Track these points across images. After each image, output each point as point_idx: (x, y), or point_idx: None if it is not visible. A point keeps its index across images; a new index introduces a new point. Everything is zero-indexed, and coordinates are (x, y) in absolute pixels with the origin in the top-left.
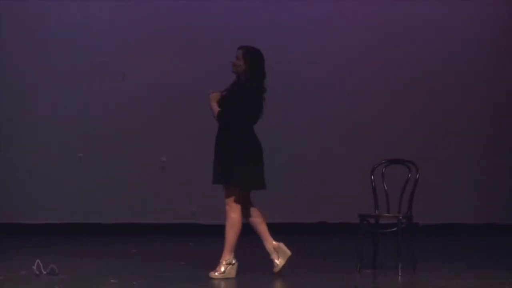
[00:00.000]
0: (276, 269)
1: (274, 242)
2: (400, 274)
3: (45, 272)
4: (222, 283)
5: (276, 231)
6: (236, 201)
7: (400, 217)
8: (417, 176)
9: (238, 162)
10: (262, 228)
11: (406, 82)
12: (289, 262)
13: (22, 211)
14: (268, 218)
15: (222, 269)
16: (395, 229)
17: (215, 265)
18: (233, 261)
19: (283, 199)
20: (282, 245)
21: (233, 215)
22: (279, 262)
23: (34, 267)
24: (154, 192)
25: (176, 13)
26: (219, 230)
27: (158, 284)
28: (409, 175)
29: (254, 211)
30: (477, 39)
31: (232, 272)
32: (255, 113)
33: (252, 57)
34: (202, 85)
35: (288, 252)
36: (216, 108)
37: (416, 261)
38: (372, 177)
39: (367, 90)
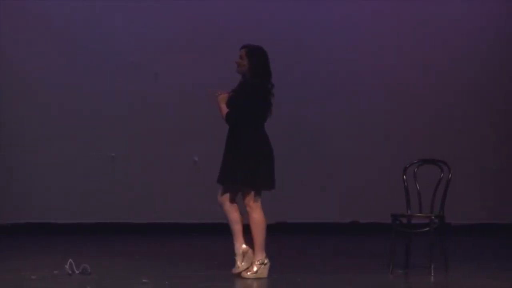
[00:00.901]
0: (235, 271)
1: (244, 246)
2: (432, 274)
3: (77, 272)
4: (255, 283)
5: (309, 231)
6: (254, 200)
7: (433, 217)
8: (449, 176)
9: (243, 162)
10: (238, 229)
11: (437, 82)
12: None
13: (53, 210)
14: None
15: (255, 269)
16: (427, 229)
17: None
18: (266, 261)
19: (315, 199)
20: (251, 251)
21: (255, 215)
22: (241, 265)
23: (67, 267)
24: (185, 192)
25: (209, 14)
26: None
27: (191, 283)
28: (442, 175)
29: (235, 210)
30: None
31: (264, 272)
32: (262, 111)
33: (255, 55)
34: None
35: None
36: (224, 110)
37: (449, 261)
38: (404, 177)
39: (399, 90)
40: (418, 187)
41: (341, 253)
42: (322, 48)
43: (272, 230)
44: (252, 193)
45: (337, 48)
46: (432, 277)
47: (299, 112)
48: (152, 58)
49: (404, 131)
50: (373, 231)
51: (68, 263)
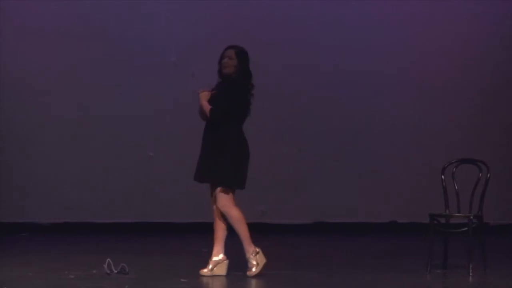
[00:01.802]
0: (203, 272)
1: (223, 255)
2: (470, 274)
3: (115, 271)
4: (294, 281)
5: (346, 230)
6: (232, 199)
7: (471, 216)
8: (488, 175)
9: (233, 162)
10: (224, 235)
11: (476, 81)
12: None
13: (91, 209)
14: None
15: (254, 262)
16: (465, 229)
17: (286, 264)
18: (257, 249)
19: (353, 199)
20: (225, 263)
21: (235, 213)
22: (208, 270)
23: (105, 266)
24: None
25: (245, 12)
26: (288, 230)
27: (230, 282)
28: (480, 174)
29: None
30: None
31: (262, 258)
32: (246, 111)
33: (244, 56)
34: (271, 85)
35: (223, 273)
36: (207, 106)
37: (487, 261)
38: (443, 176)
39: (438, 88)
40: (456, 187)
41: (379, 252)
42: (355, 47)
43: (310, 229)
44: (231, 192)
45: (370, 48)
46: (470, 277)
47: (338, 113)
48: (189, 58)
49: (443, 131)
50: (411, 231)
51: (107, 263)
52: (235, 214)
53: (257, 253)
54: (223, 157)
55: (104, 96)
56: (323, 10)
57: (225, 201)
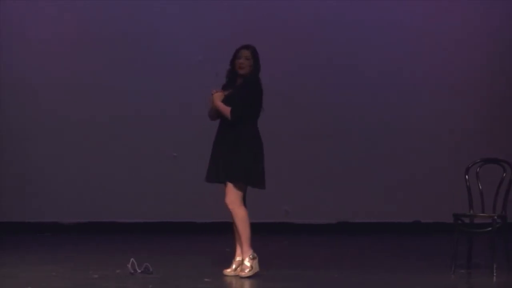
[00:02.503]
0: (226, 272)
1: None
2: (495, 274)
3: (139, 271)
4: (321, 281)
5: (371, 230)
6: (241, 198)
7: (495, 217)
8: None
9: (252, 160)
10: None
11: (502, 81)
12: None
13: (115, 209)
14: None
15: (249, 264)
16: (490, 228)
17: (309, 264)
18: (255, 255)
19: (377, 199)
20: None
21: (241, 212)
22: (231, 270)
23: (129, 266)
24: (249, 191)
25: (267, 12)
26: (312, 230)
27: (253, 282)
28: (504, 174)
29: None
30: None
31: (256, 265)
32: (260, 109)
33: (257, 55)
34: (291, 84)
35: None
36: (225, 107)
37: (511, 261)
38: (467, 176)
39: (463, 86)
40: (480, 187)
41: (403, 253)
42: (384, 46)
43: (334, 229)
44: (242, 190)
45: (397, 47)
46: (494, 277)
47: (361, 114)
48: (212, 58)
49: (467, 131)
50: (435, 231)
51: (130, 262)
52: (241, 213)
53: (255, 258)
54: (242, 155)
55: (128, 96)
56: (349, 11)
57: (234, 198)
